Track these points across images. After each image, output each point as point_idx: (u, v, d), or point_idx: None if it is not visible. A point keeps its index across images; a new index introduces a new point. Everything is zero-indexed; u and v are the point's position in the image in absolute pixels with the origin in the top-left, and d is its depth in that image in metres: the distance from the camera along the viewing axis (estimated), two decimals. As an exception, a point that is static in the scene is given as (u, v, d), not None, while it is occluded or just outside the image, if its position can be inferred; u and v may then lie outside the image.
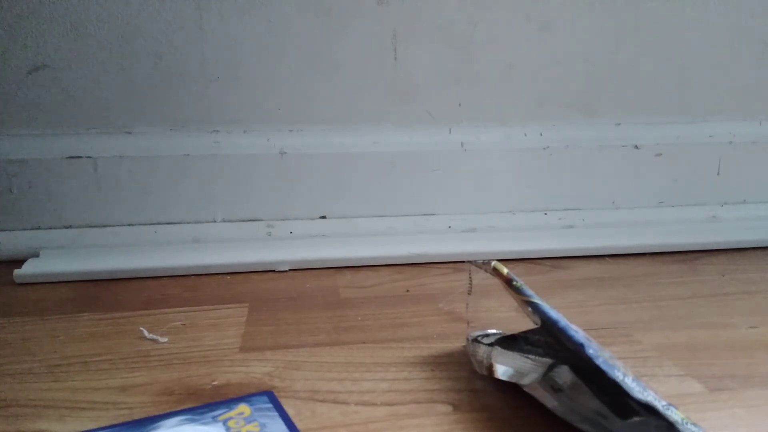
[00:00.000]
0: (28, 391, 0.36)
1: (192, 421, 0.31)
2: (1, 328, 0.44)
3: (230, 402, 0.33)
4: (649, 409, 0.28)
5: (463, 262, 0.57)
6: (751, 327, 0.45)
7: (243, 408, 0.33)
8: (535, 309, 0.36)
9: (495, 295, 0.49)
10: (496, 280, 0.39)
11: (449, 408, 0.34)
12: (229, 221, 0.61)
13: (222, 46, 0.57)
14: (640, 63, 0.64)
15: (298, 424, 0.32)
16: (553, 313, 0.35)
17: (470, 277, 0.44)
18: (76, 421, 0.33)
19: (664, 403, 0.28)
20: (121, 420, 0.33)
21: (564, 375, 0.32)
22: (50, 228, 0.58)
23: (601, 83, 0.64)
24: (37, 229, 0.58)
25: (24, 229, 0.58)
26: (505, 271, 0.39)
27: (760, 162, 0.68)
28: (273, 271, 0.55)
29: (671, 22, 0.63)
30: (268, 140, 0.60)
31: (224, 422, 0.31)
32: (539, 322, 0.35)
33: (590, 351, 0.31)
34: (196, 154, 0.59)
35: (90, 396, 0.35)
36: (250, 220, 0.61)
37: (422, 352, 0.40)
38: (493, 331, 0.40)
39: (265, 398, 0.34)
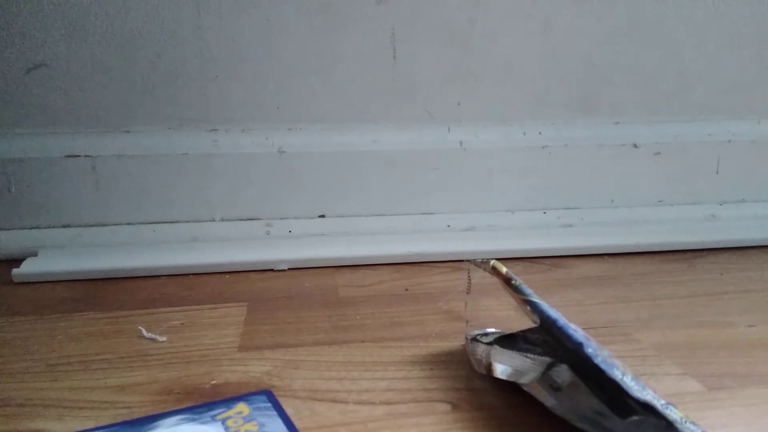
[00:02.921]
0: (26, 390, 0.36)
1: (191, 420, 0.31)
2: (-1, 328, 0.44)
3: (229, 401, 0.33)
4: (648, 408, 0.28)
5: (462, 261, 0.57)
6: (749, 326, 0.45)
7: (242, 407, 0.33)
8: (534, 308, 0.36)
9: (494, 294, 0.49)
10: (494, 279, 0.39)
11: (448, 407, 0.34)
12: (228, 220, 0.61)
13: (221, 45, 0.57)
14: (638, 62, 0.64)
15: (297, 423, 0.32)
16: (552, 312, 0.35)
17: (469, 276, 0.44)
18: (74, 421, 0.33)
19: (663, 401, 0.28)
20: (119, 419, 0.33)
21: (563, 374, 0.32)
22: (49, 227, 0.58)
23: (600, 82, 0.64)
24: (35, 228, 0.58)
25: (22, 228, 0.58)
26: (503, 269, 0.39)
27: (759, 161, 0.68)
28: (272, 270, 0.55)
29: (670, 21, 0.63)
30: (267, 139, 0.60)
31: (223, 421, 0.31)
32: (538, 320, 0.35)
33: (589, 350, 0.31)
34: (195, 153, 0.59)
35: (88, 395, 0.35)
36: (249, 219, 0.61)
37: (421, 351, 0.40)
38: (492, 329, 0.40)
39: (264, 397, 0.34)
